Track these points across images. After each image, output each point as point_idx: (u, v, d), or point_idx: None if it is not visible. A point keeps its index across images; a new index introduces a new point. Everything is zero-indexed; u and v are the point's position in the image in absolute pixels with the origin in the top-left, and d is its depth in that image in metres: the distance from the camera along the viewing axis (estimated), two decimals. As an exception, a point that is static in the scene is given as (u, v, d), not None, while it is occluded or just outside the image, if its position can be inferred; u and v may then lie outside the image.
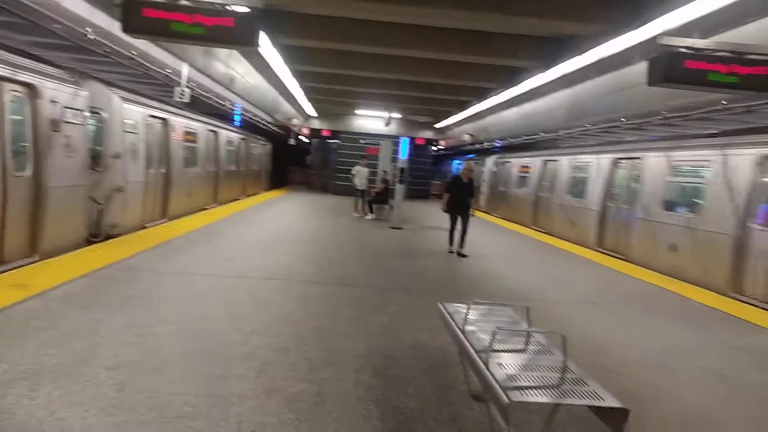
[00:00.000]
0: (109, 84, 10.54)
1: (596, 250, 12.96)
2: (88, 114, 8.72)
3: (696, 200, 10.22)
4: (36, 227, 7.37)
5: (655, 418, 3.96)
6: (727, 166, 9.42)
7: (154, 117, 11.89)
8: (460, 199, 10.80)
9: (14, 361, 3.93)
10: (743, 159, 9.10)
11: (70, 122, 8.00)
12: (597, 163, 14.02)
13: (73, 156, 8.15)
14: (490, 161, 23.17)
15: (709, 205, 9.64)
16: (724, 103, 8.63)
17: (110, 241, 9.12)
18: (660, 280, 9.50)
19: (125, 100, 10.40)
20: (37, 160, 7.34)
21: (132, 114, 10.60)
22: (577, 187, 15.03)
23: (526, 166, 19.31)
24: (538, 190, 17.79)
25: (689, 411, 4.14)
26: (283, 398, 3.72)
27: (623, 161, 12.96)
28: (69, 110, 7.98)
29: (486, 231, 15.08)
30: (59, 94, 7.75)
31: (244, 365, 4.24)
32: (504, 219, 18.93)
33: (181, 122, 13.53)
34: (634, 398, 4.15)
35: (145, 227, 10.97)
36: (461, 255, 10.57)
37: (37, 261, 7.15)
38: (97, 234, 9.49)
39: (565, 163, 16.16)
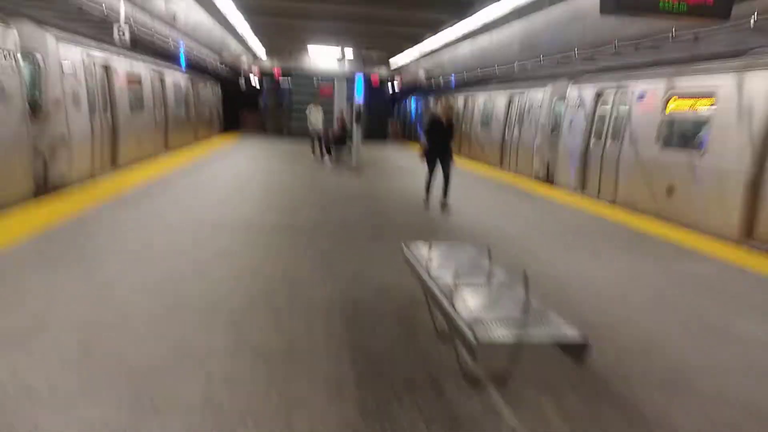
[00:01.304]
0: (42, 23, 9.80)
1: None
2: (20, 56, 8.12)
3: (488, 121, 18.43)
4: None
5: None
6: (495, 102, 17.75)
7: (94, 59, 11.20)
8: (440, 143, 9.48)
9: (-32, 326, 3.79)
10: (502, 96, 17.16)
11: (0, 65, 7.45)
12: (463, 99, 21.14)
13: (9, 103, 7.63)
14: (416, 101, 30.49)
15: (494, 125, 17.79)
16: (675, 31, 8.70)
17: (59, 194, 8.74)
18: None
19: (61, 40, 9.71)
20: (-31, 110, 6.86)
21: (70, 56, 9.94)
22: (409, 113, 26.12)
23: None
24: None
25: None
26: (253, 349, 3.73)
27: (468, 99, 20.57)
28: (-2, 53, 7.41)
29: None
30: (-16, 35, 7.16)
31: (210, 319, 4.20)
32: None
33: (124, 64, 12.81)
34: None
35: (94, 177, 10.54)
36: (444, 205, 9.37)
37: (-19, 218, 6.82)
38: (44, 186, 9.07)
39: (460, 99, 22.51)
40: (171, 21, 13.56)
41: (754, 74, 8.03)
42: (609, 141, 11.19)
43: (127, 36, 10.83)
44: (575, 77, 13.10)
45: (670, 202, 9.20)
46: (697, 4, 6.76)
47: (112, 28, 10.74)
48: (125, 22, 10.74)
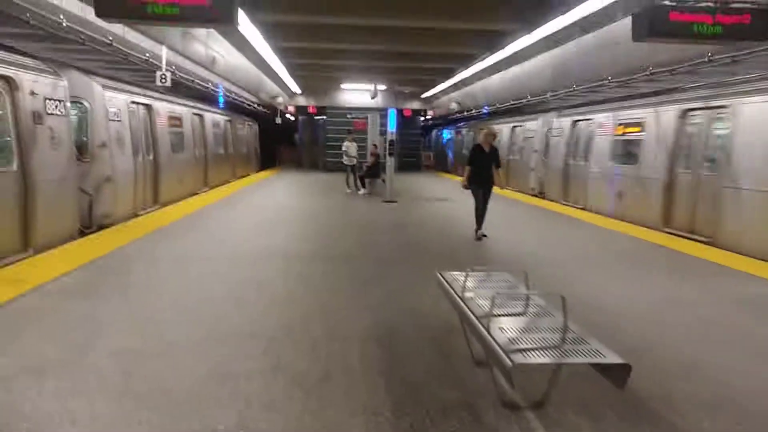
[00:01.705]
0: (89, 72, 10.36)
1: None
2: (69, 104, 8.58)
3: None
4: (28, 222, 7.31)
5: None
6: (502, 132, 19.88)
7: (137, 103, 11.72)
8: (484, 171, 9.27)
9: (17, 355, 3.93)
10: (507, 127, 20.13)
11: (52, 114, 7.87)
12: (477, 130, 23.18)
13: (58, 148, 8.03)
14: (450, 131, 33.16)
15: (501, 151, 18.74)
16: (710, 54, 8.59)
17: (103, 231, 9.06)
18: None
19: (106, 87, 10.23)
20: (23, 154, 7.24)
21: (115, 101, 10.44)
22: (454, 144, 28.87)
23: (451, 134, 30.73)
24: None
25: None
26: (290, 375, 3.75)
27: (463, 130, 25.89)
28: (50, 101, 7.84)
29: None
30: (38, 85, 7.60)
31: (248, 345, 4.26)
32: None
33: (165, 107, 13.35)
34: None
35: (137, 215, 10.90)
36: (481, 236, 9.29)
37: (31, 255, 7.11)
38: (89, 225, 9.43)
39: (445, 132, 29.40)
40: (210, 65, 14.12)
41: (666, 109, 10.88)
42: (580, 160, 14.56)
43: (168, 81, 11.33)
44: (561, 111, 16.51)
45: (619, 204, 12.36)
46: (733, 24, 6.69)
47: (154, 74, 11.28)
48: (167, 69, 11.25)
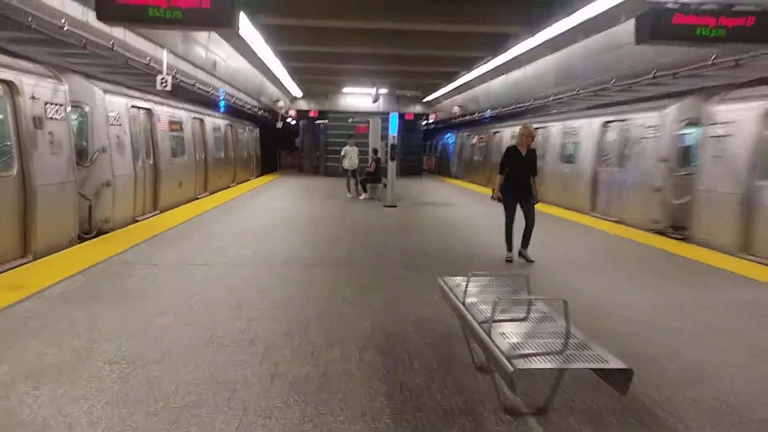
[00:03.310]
0: (90, 76, 10.34)
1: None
2: (70, 108, 8.56)
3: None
4: (27, 227, 7.28)
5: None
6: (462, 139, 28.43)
7: (138, 107, 11.71)
8: (519, 178, 7.74)
9: (15, 362, 3.89)
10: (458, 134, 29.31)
11: (52, 118, 7.86)
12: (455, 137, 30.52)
13: (58, 153, 8.01)
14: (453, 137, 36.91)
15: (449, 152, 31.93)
16: (714, 57, 8.56)
17: (103, 236, 9.03)
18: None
19: (107, 91, 10.21)
20: (23, 159, 7.21)
21: (115, 106, 10.42)
22: (443, 148, 33.95)
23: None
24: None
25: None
26: (288, 382, 3.71)
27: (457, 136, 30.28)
28: (50, 106, 7.83)
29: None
30: (39, 89, 7.58)
31: (247, 351, 4.22)
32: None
33: (165, 111, 13.34)
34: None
35: (137, 220, 10.87)
36: (526, 259, 7.75)
37: (31, 261, 7.08)
38: (89, 230, 9.40)
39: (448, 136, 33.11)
40: (211, 69, 14.12)
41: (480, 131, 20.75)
42: (471, 156, 25.55)
43: (169, 85, 11.31)
44: (472, 128, 25.51)
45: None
46: (736, 27, 6.65)
47: (155, 78, 11.26)
48: (167, 73, 11.23)
